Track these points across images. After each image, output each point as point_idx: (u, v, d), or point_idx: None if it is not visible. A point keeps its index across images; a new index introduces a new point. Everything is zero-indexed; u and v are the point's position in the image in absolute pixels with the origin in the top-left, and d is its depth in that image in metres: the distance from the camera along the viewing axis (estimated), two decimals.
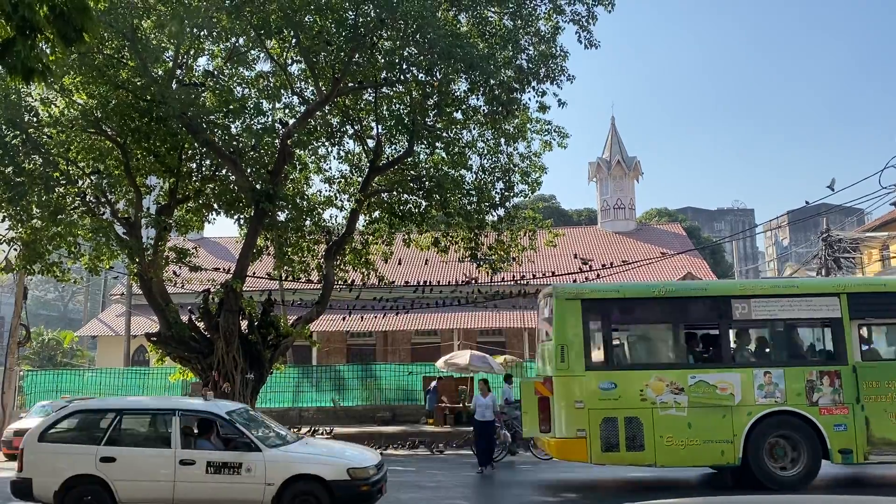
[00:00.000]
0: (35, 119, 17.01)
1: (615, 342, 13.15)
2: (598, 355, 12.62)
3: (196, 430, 10.08)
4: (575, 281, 28.67)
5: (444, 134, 18.85)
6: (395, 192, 20.50)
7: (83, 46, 6.33)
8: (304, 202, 19.87)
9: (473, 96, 17.37)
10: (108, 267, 20.18)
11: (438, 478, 14.57)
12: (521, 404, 19.06)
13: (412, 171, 19.92)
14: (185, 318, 19.05)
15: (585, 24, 16.54)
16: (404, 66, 16.85)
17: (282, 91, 18.43)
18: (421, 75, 17.06)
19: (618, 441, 11.99)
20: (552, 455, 13.14)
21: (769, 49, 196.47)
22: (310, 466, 9.68)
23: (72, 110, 17.31)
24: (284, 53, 18.11)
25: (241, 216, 19.69)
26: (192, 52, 17.92)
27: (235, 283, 18.11)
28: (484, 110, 17.67)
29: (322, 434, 20.87)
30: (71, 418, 10.42)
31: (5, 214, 16.95)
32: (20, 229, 17.40)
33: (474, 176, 19.75)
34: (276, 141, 17.58)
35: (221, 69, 18.19)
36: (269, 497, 9.43)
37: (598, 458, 12.11)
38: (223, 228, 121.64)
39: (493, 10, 16.94)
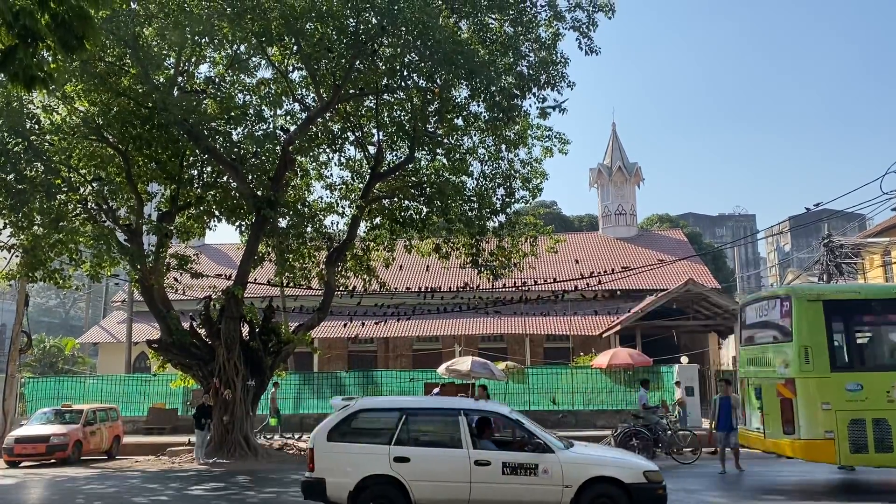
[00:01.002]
0: (37, 126, 17.05)
1: (858, 343, 13.01)
2: (841, 356, 12.50)
3: (477, 430, 9.89)
4: (576, 288, 28.65)
5: (445, 140, 18.88)
6: (396, 199, 20.53)
7: (84, 54, 6.36)
8: (306, 209, 19.91)
9: (474, 103, 17.41)
10: (109, 274, 20.20)
11: None
12: (657, 409, 19.06)
13: (413, 178, 19.95)
14: (186, 325, 19.05)
15: (586, 30, 16.60)
16: (405, 73, 16.89)
17: (283, 98, 18.48)
18: (422, 82, 17.10)
19: (866, 442, 11.81)
20: (796, 457, 12.68)
21: (769, 54, 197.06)
22: (608, 469, 9.51)
23: (73, 118, 17.36)
24: (285, 60, 18.16)
25: (243, 223, 19.72)
26: (193, 60, 17.98)
27: (237, 290, 18.12)
28: (485, 117, 17.70)
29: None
30: (356, 417, 10.13)
31: (7, 221, 16.98)
32: (22, 236, 17.42)
33: (475, 182, 19.78)
34: (278, 148, 17.62)
35: (223, 76, 18.25)
36: (566, 499, 9.23)
37: (847, 459, 11.99)
38: (224, 235, 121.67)
39: (493, 16, 16.99)
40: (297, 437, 21.87)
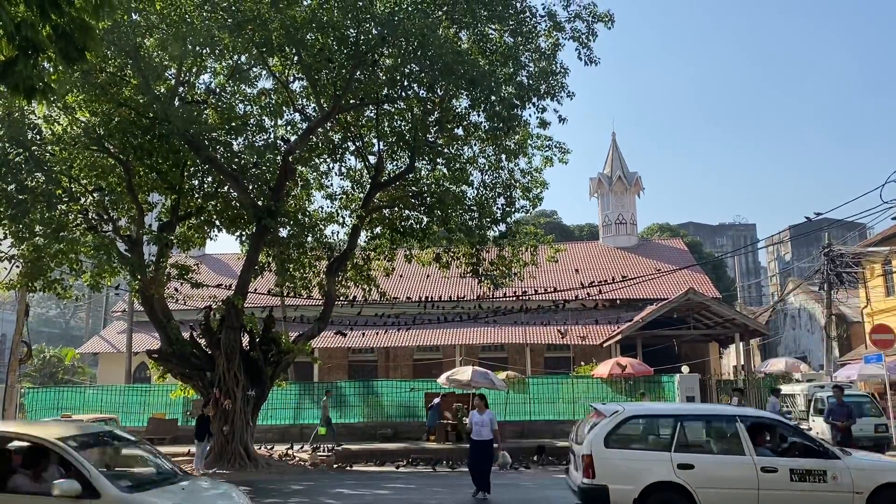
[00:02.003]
0: (38, 137, 17.08)
1: None
2: None
3: (751, 436, 9.84)
4: (577, 297, 28.62)
5: (446, 150, 18.92)
6: (396, 208, 20.55)
7: (86, 65, 6.38)
8: (306, 218, 19.92)
9: (474, 112, 17.45)
10: (109, 284, 20.18)
11: (440, 496, 14.48)
12: (789, 417, 18.90)
13: (413, 187, 19.98)
14: (186, 335, 19.03)
15: (585, 41, 16.65)
16: (405, 83, 16.94)
17: (283, 108, 18.53)
18: (422, 92, 17.15)
19: None
20: None
21: (768, 64, 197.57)
22: None
23: (74, 128, 17.39)
24: (286, 71, 18.21)
25: (243, 233, 19.73)
26: (194, 70, 18.02)
27: (237, 300, 18.11)
28: (485, 126, 17.73)
29: (324, 451, 20.74)
30: (629, 423, 10.08)
31: (8, 232, 16.99)
32: (23, 246, 17.42)
33: (475, 192, 19.80)
34: (278, 157, 17.65)
35: (223, 86, 18.29)
36: None
37: None
38: (225, 245, 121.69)
39: (493, 27, 17.05)
40: (297, 447, 21.79)
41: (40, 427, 8.25)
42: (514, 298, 27.62)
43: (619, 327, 29.48)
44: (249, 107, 18.62)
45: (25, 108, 16.03)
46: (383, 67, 17.19)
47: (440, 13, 16.44)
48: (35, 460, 7.19)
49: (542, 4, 17.85)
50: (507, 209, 19.50)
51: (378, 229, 21.11)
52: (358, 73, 16.86)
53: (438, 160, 19.16)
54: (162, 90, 17.02)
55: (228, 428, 17.93)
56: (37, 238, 17.50)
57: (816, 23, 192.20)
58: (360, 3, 15.41)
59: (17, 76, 5.13)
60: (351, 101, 17.84)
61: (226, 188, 19.26)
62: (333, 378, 32.09)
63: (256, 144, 17.30)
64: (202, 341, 18.94)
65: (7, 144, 16.10)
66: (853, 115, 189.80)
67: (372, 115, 18.91)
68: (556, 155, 19.59)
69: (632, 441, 9.96)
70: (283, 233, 18.91)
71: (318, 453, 20.14)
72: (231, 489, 7.92)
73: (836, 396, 16.45)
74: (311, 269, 20.68)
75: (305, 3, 16.48)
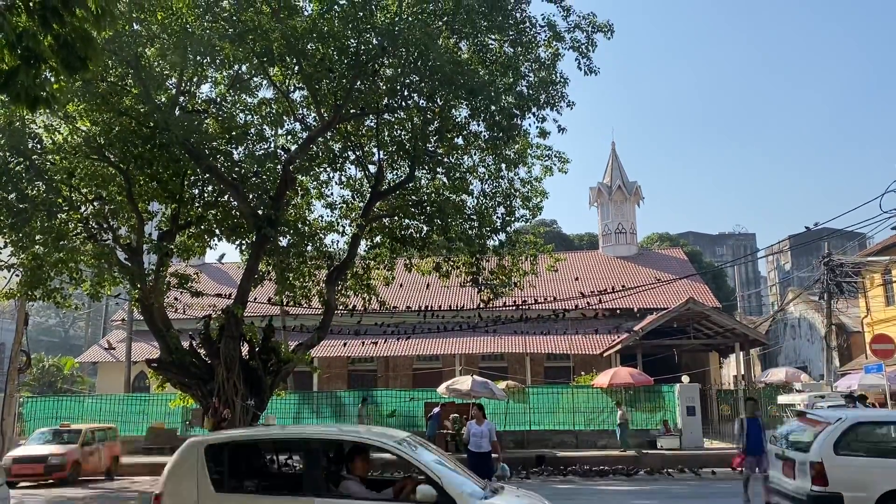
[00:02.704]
0: (38, 146, 17.11)
1: None
2: None
3: None
4: (577, 307, 28.61)
5: (446, 159, 18.93)
6: (396, 217, 20.55)
7: (87, 74, 6.39)
8: (306, 227, 19.90)
9: (474, 122, 17.46)
10: (109, 293, 20.16)
11: None
12: None
13: (413, 196, 19.98)
14: (185, 344, 18.99)
15: (585, 50, 16.66)
16: (406, 93, 16.97)
17: (284, 117, 18.54)
18: (422, 102, 17.17)
19: None
20: None
21: (769, 73, 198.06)
22: None
23: (75, 137, 17.42)
24: (287, 80, 18.24)
25: (243, 242, 19.72)
26: (195, 80, 18.05)
27: (236, 309, 18.07)
28: (485, 136, 17.75)
29: None
30: (855, 430, 10.17)
31: (8, 241, 16.99)
32: (22, 255, 17.42)
33: (475, 201, 19.80)
34: (279, 167, 17.66)
35: (224, 96, 18.32)
36: None
37: None
38: (225, 254, 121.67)
39: (493, 37, 17.08)
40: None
41: (364, 431, 8.03)
42: (514, 308, 27.63)
43: (619, 337, 29.45)
44: (250, 116, 18.64)
45: (26, 117, 16.07)
46: (384, 77, 17.22)
47: (440, 23, 16.48)
48: (349, 465, 7.13)
49: (542, 15, 17.85)
50: (507, 218, 19.49)
51: (378, 238, 21.10)
52: (358, 82, 16.89)
53: (438, 169, 19.17)
54: (163, 100, 17.05)
55: None
56: (37, 247, 17.49)
57: (815, 32, 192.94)
58: (361, 14, 15.45)
59: (19, 86, 5.14)
60: (351, 111, 17.86)
61: (226, 197, 19.25)
62: (333, 387, 32.03)
63: (257, 154, 17.30)
64: (202, 350, 18.89)
65: (8, 153, 16.12)
66: (854, 122, 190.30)
67: (372, 124, 18.94)
68: (555, 164, 19.62)
69: (860, 448, 10.01)
70: (283, 242, 18.89)
71: None
72: (537, 499, 7.87)
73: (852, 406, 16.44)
74: (310, 278, 20.66)
75: (306, 13, 16.53)
